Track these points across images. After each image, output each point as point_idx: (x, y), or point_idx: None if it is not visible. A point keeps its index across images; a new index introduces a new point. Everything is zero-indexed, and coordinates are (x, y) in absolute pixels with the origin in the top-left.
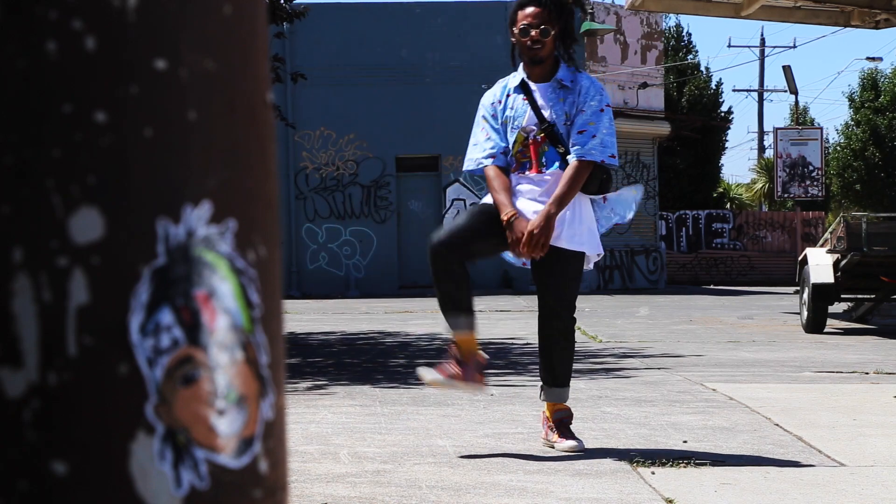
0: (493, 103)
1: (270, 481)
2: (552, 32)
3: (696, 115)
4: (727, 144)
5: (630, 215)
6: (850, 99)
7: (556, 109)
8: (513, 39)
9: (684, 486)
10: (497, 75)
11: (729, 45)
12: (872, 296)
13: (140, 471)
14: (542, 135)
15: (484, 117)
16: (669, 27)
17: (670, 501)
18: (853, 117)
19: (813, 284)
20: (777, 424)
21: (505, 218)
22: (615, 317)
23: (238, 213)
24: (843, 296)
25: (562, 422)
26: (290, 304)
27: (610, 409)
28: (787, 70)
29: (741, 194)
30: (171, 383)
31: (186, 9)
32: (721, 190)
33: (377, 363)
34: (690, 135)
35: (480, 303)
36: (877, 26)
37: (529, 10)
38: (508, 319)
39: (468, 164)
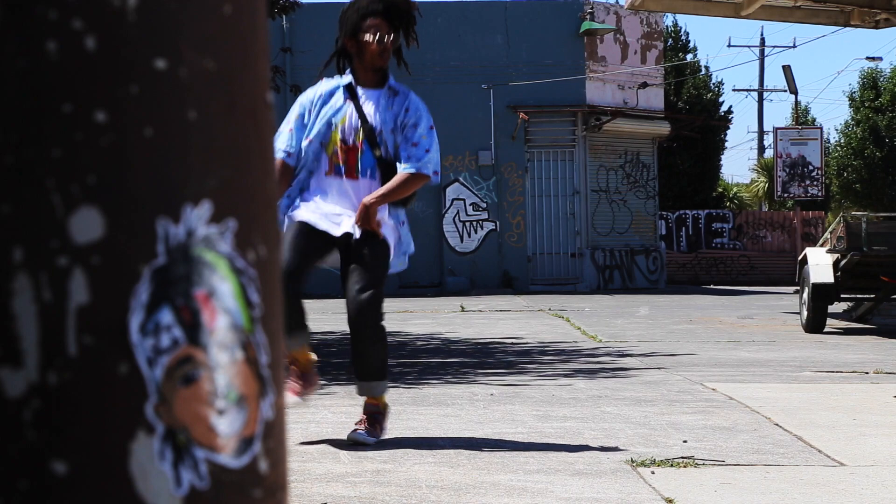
0: (311, 100)
1: (270, 481)
2: (398, 44)
3: (696, 114)
4: (727, 144)
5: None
6: (850, 98)
7: (385, 116)
8: (348, 44)
9: (684, 486)
10: (497, 75)
11: (729, 45)
12: (872, 295)
13: (140, 470)
14: (361, 140)
15: (298, 114)
16: (668, 27)
17: (670, 501)
18: (853, 117)
19: (813, 284)
20: (777, 424)
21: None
22: (615, 316)
23: (238, 212)
24: (843, 295)
25: (376, 415)
26: None
27: (610, 409)
28: (786, 70)
29: (741, 194)
30: (171, 383)
31: (186, 9)
32: (721, 190)
33: None
34: (690, 135)
35: (480, 303)
36: (877, 26)
37: (377, 18)
38: (508, 319)
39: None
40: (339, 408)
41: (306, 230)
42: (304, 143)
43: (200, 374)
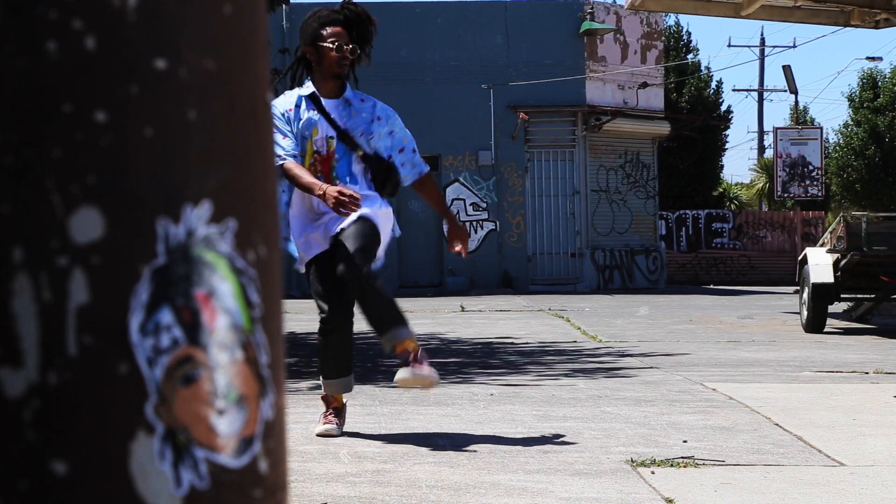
0: (285, 110)
1: (270, 481)
2: (358, 52)
3: (696, 114)
4: (727, 144)
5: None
6: (850, 98)
7: (355, 121)
8: (308, 52)
9: (684, 486)
10: (497, 75)
11: (729, 45)
12: (872, 295)
13: (140, 470)
14: (333, 150)
15: (279, 121)
16: (669, 26)
17: (670, 501)
18: (853, 117)
19: (813, 284)
20: (777, 424)
21: (320, 192)
22: (615, 316)
23: (238, 212)
24: (842, 295)
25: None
26: (290, 304)
27: (610, 409)
28: (786, 70)
29: (741, 194)
30: (171, 383)
31: (186, 9)
32: (721, 190)
33: (377, 363)
34: (690, 134)
35: (480, 303)
36: (877, 26)
37: (337, 27)
38: (508, 319)
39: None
40: None
41: (324, 269)
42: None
43: (200, 374)
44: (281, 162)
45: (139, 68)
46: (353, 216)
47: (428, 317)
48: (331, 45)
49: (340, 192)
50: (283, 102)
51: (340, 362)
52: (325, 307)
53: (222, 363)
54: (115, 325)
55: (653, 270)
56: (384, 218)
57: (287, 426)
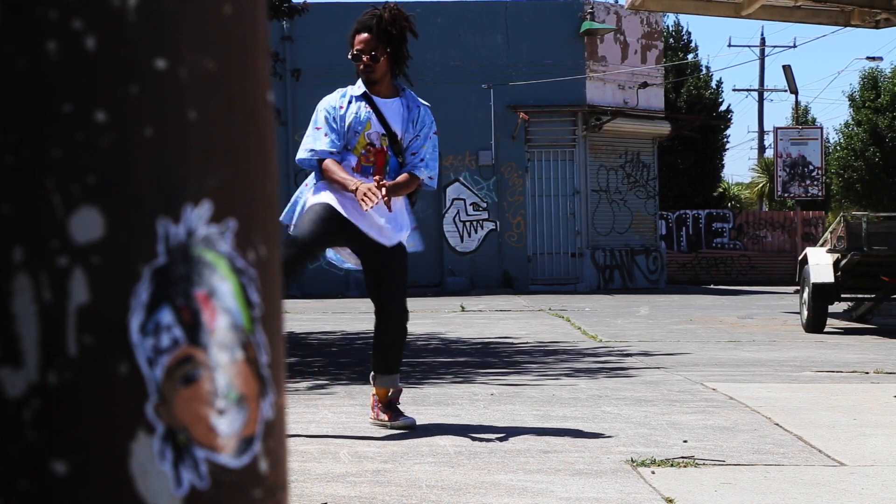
0: (334, 107)
1: (270, 481)
2: (381, 58)
3: (696, 114)
4: (727, 144)
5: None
6: (851, 98)
7: (404, 126)
8: (350, 56)
9: (684, 486)
10: (497, 75)
11: (729, 45)
12: (872, 295)
13: (140, 470)
14: (386, 146)
15: (325, 118)
16: (668, 26)
17: (670, 501)
18: (853, 117)
19: (813, 284)
20: (777, 424)
21: (354, 187)
22: (615, 316)
23: (238, 212)
24: (843, 295)
25: (391, 402)
26: (290, 304)
27: (610, 409)
28: (787, 70)
29: (741, 194)
30: (172, 383)
31: (186, 9)
32: (721, 190)
33: None
34: (690, 134)
35: (480, 302)
36: (877, 26)
37: (361, 35)
38: (508, 319)
39: (304, 154)
40: (340, 408)
41: (329, 216)
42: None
43: (200, 374)
44: (317, 157)
45: (139, 68)
46: (395, 241)
47: (428, 317)
48: (352, 56)
49: (370, 190)
50: (333, 100)
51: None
52: (297, 238)
53: (222, 363)
54: (115, 325)
55: (653, 270)
56: (411, 236)
57: (287, 426)
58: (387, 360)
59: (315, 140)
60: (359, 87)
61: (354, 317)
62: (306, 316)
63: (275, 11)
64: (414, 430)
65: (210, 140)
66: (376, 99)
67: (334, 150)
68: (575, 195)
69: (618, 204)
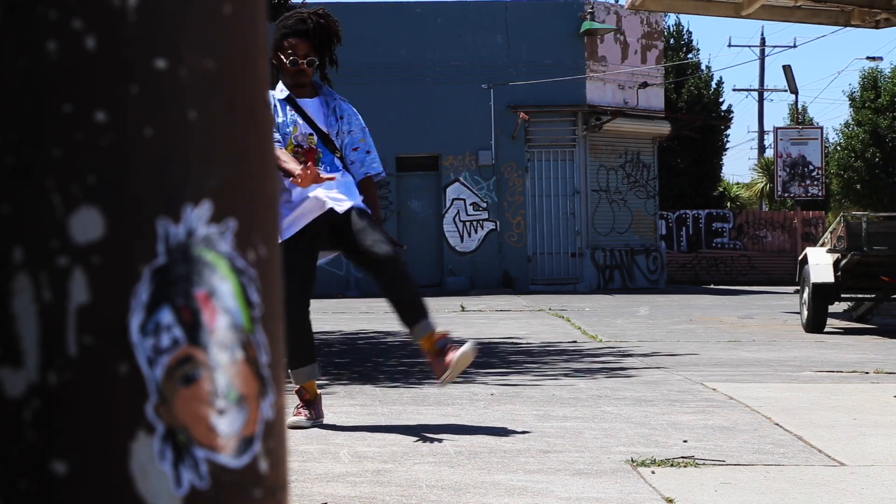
0: None
1: (270, 481)
2: (316, 63)
3: (696, 114)
4: (727, 144)
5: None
6: (851, 98)
7: (328, 121)
8: (274, 59)
9: (684, 486)
10: (497, 75)
11: (729, 45)
12: (872, 295)
13: (140, 470)
14: (315, 144)
15: None
16: (668, 26)
17: (670, 501)
18: (854, 117)
19: (813, 284)
20: (777, 424)
21: (298, 171)
22: (615, 316)
23: (238, 212)
24: (843, 295)
25: (446, 344)
26: None
27: (610, 409)
28: (787, 69)
29: (741, 194)
30: (172, 383)
31: (186, 9)
32: (721, 190)
33: (377, 363)
34: (690, 134)
35: (480, 302)
36: (877, 26)
37: (295, 39)
38: (508, 319)
39: None
40: (339, 408)
41: (292, 247)
42: None
43: (200, 374)
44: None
45: (139, 68)
46: (348, 204)
47: None
48: (285, 59)
49: (303, 170)
50: None
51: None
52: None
53: (222, 363)
54: (115, 325)
55: (653, 270)
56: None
57: (287, 426)
58: (411, 304)
59: None
60: (281, 91)
61: (354, 317)
62: None
63: (275, 12)
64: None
65: (210, 140)
66: (300, 100)
67: (280, 144)
68: (575, 195)
69: (618, 204)
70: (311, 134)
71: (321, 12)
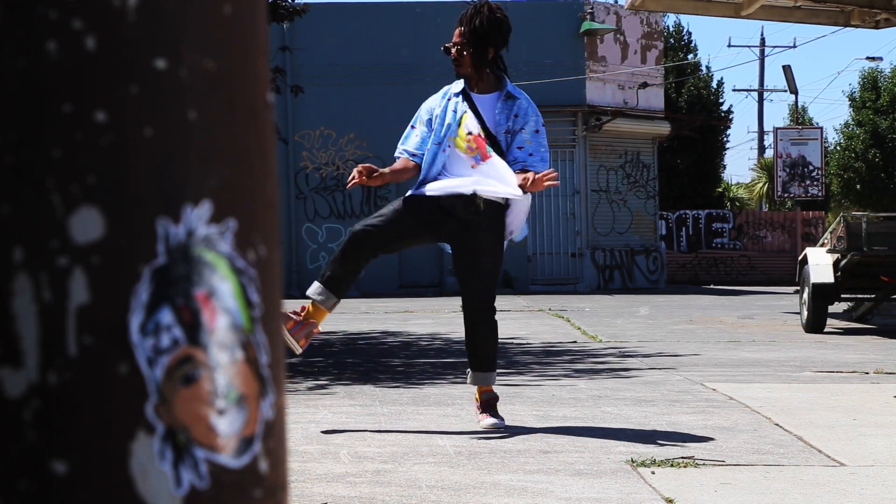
0: (431, 108)
1: (270, 481)
2: (465, 53)
3: (696, 114)
4: (727, 144)
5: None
6: (851, 99)
7: (499, 118)
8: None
9: (684, 486)
10: None
11: (729, 45)
12: (872, 295)
13: (140, 470)
14: (483, 136)
15: (420, 119)
16: (668, 27)
17: (670, 501)
18: (854, 117)
19: (813, 284)
20: (777, 424)
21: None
22: (615, 316)
23: (238, 212)
24: (843, 295)
25: (488, 402)
26: (290, 304)
27: (610, 409)
28: (787, 70)
29: (741, 194)
30: (172, 383)
31: (186, 9)
32: (721, 190)
33: (377, 363)
34: (690, 134)
35: None
36: (877, 26)
37: (456, 30)
38: (508, 319)
39: (398, 152)
40: (339, 408)
41: (412, 211)
42: (429, 145)
43: (200, 374)
44: (404, 155)
45: (139, 68)
46: (475, 187)
47: (428, 317)
48: (444, 49)
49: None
50: (433, 100)
51: (337, 275)
52: (372, 225)
53: (222, 363)
54: (115, 325)
55: (653, 270)
56: (517, 209)
57: (287, 426)
58: (475, 353)
59: (405, 138)
60: (459, 84)
61: (355, 317)
62: None
63: (275, 12)
64: (504, 431)
65: (210, 140)
66: (474, 95)
67: (418, 154)
68: (575, 195)
69: (618, 204)
70: (480, 127)
71: (487, 4)
